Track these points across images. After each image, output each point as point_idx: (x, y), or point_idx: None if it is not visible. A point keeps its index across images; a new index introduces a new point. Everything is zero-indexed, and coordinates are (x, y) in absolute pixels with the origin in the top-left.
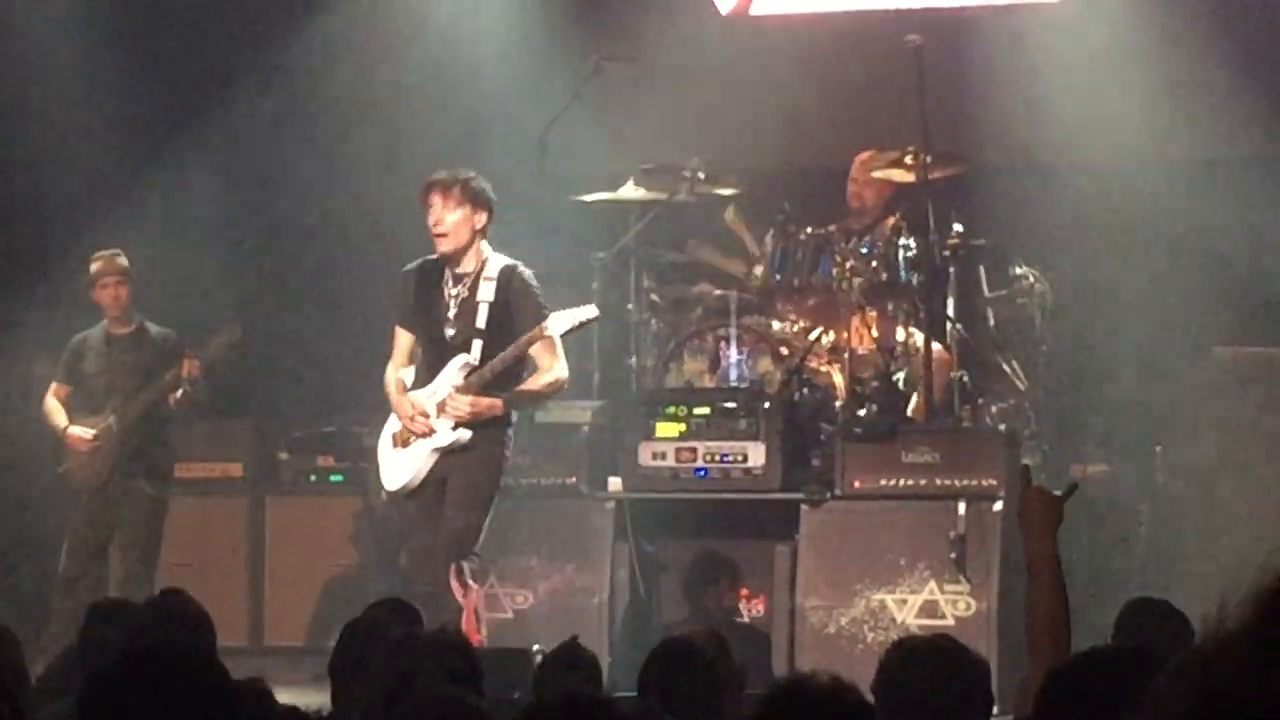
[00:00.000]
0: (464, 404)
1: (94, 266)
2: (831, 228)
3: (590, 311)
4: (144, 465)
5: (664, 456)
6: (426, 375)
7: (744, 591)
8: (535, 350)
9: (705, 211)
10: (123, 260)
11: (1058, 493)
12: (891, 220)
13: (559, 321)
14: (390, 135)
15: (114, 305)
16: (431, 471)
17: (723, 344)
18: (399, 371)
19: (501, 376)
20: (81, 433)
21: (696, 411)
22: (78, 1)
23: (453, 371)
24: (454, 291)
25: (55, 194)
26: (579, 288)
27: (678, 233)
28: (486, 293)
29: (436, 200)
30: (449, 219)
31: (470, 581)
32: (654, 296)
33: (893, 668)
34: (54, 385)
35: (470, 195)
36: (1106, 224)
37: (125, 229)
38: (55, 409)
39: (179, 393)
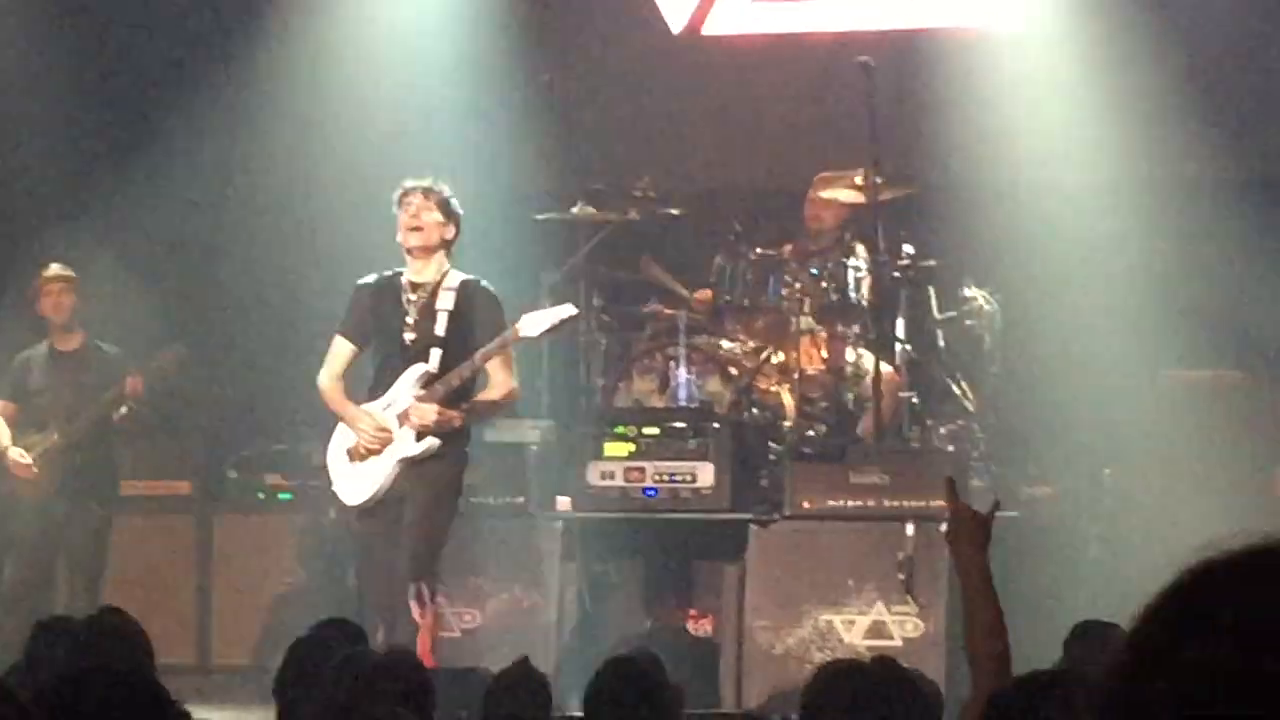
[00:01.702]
0: (430, 412)
1: (40, 275)
2: (787, 248)
3: (568, 310)
4: (89, 482)
5: (613, 476)
6: (380, 388)
7: (692, 611)
8: (490, 365)
9: (655, 231)
10: (69, 271)
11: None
12: (846, 241)
13: (533, 322)
14: (341, 152)
15: (57, 312)
16: (392, 486)
17: (672, 364)
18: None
19: (459, 390)
20: (19, 457)
21: (645, 431)
22: (28, 15)
23: (409, 381)
24: (412, 297)
25: (1, 209)
26: (529, 306)
27: (628, 252)
28: (446, 302)
29: (416, 200)
30: (426, 217)
31: (429, 601)
32: (604, 316)
33: (813, 692)
34: (0, 404)
35: (446, 207)
36: (1056, 246)
37: (72, 246)
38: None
39: (123, 410)
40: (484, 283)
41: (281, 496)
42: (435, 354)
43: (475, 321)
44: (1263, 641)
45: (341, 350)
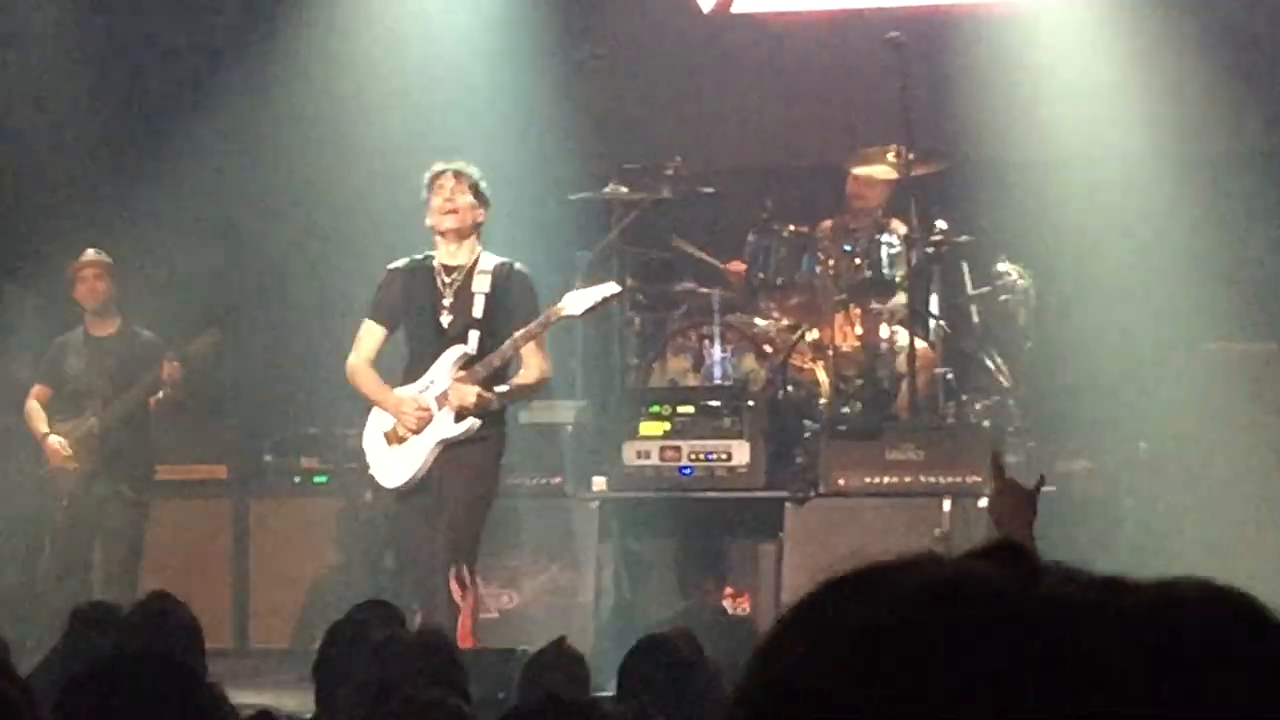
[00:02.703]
0: (470, 394)
1: (76, 261)
2: (826, 224)
3: (611, 288)
4: (125, 467)
5: (648, 455)
6: (416, 371)
7: (729, 590)
8: (524, 348)
9: (688, 210)
10: (104, 256)
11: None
12: (880, 218)
13: (576, 300)
14: (374, 135)
15: (92, 298)
16: (431, 468)
17: (706, 342)
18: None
19: (498, 371)
20: (58, 444)
21: (681, 410)
22: (59, 7)
23: (448, 363)
24: (448, 280)
25: (37, 198)
26: (563, 286)
27: (661, 231)
28: (482, 285)
29: (449, 182)
30: (460, 199)
31: (469, 583)
32: (638, 295)
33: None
34: (36, 388)
35: (477, 189)
36: (1091, 220)
37: (108, 231)
38: (36, 413)
39: (160, 395)
40: (519, 265)
41: (317, 480)
42: (474, 336)
43: (511, 304)
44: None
45: (373, 334)
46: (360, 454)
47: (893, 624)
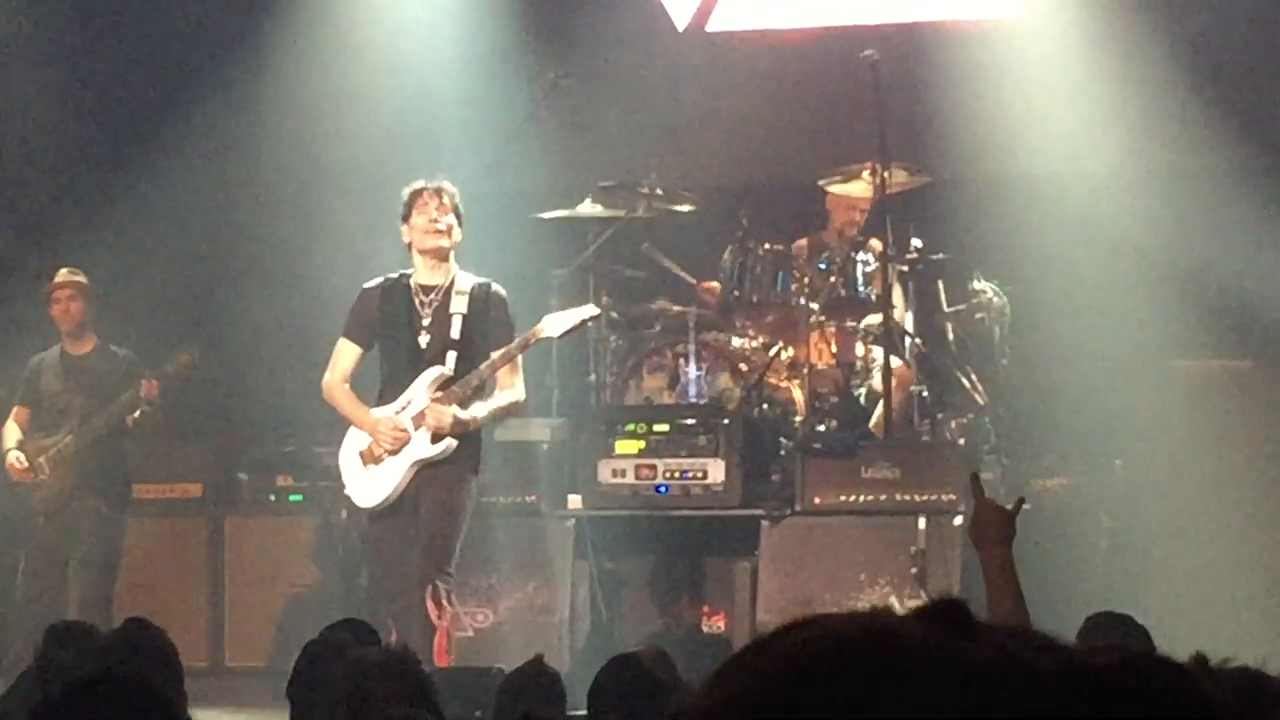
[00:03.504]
0: (447, 415)
1: (51, 281)
2: (801, 242)
3: (589, 310)
4: (101, 485)
5: (624, 474)
6: (392, 391)
7: (705, 608)
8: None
9: (663, 228)
10: (79, 277)
11: (1008, 506)
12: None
13: (555, 323)
14: (348, 153)
15: (65, 320)
16: (406, 489)
17: (682, 360)
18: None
19: (473, 392)
20: (16, 460)
21: (656, 428)
22: (36, 18)
23: (425, 384)
24: (426, 300)
25: (14, 214)
26: (537, 305)
27: (636, 249)
28: (460, 305)
29: (432, 201)
30: (445, 219)
31: (445, 603)
32: (613, 313)
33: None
34: (15, 409)
35: (458, 210)
36: (1066, 237)
37: (84, 249)
38: (8, 432)
39: (137, 413)
40: (495, 286)
41: (292, 498)
42: (451, 357)
43: (489, 325)
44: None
45: (348, 352)
46: (335, 472)
47: (815, 677)
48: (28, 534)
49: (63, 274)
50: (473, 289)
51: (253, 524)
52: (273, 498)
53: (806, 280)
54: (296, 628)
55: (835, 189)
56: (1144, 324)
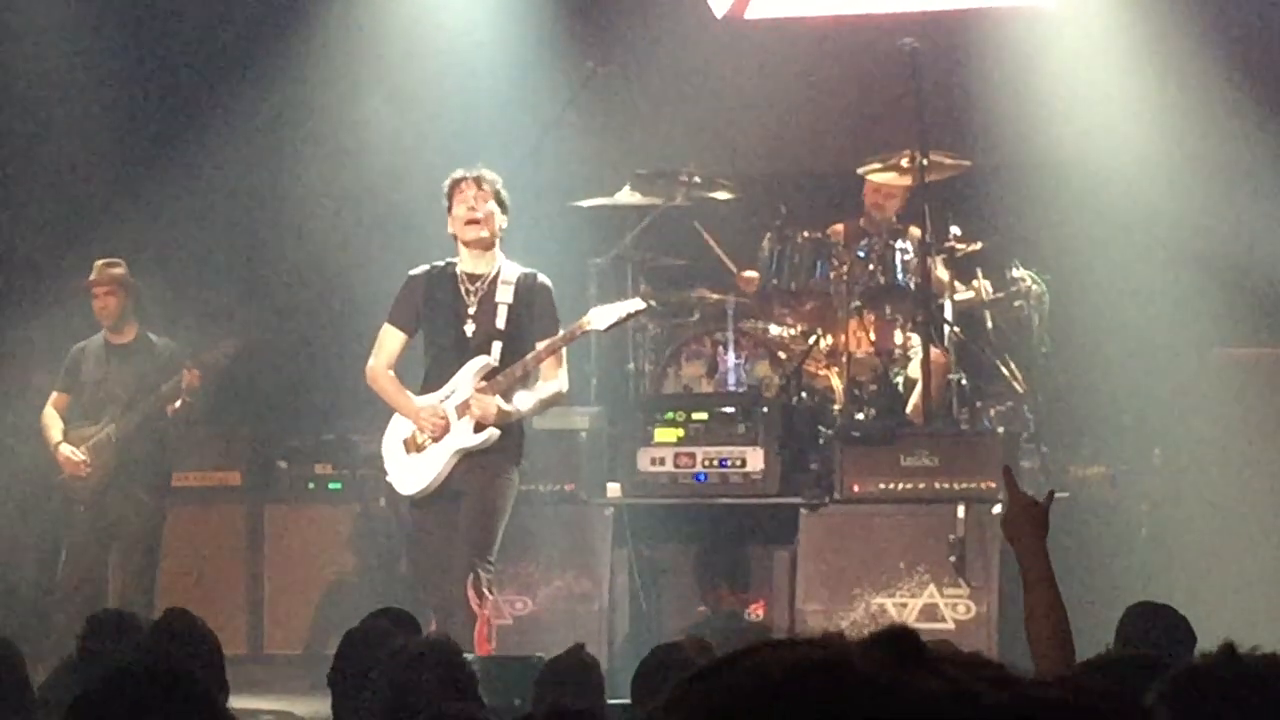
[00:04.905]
0: (492, 404)
1: (90, 275)
2: (837, 228)
3: (636, 304)
4: (142, 474)
5: (662, 462)
6: (437, 379)
7: (744, 596)
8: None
9: (702, 216)
10: (117, 270)
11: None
12: (894, 224)
13: (602, 316)
14: (389, 145)
15: (104, 314)
16: (449, 477)
17: (720, 348)
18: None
19: (517, 382)
20: (70, 454)
21: (695, 417)
22: (75, 13)
23: (471, 373)
24: (471, 289)
25: (55, 204)
26: (576, 293)
27: (674, 237)
28: (505, 295)
29: (471, 190)
30: (484, 208)
31: (486, 592)
32: (651, 302)
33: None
34: (54, 395)
35: (499, 197)
36: (1104, 224)
37: (125, 239)
38: (51, 421)
39: (178, 403)
40: (541, 276)
41: (331, 486)
42: (497, 347)
43: (534, 316)
44: None
45: (392, 339)
46: (374, 460)
47: (764, 704)
48: (69, 522)
49: (100, 268)
50: (518, 279)
51: (292, 512)
52: (312, 486)
53: (845, 268)
54: (335, 615)
55: (875, 177)
56: (1183, 311)
